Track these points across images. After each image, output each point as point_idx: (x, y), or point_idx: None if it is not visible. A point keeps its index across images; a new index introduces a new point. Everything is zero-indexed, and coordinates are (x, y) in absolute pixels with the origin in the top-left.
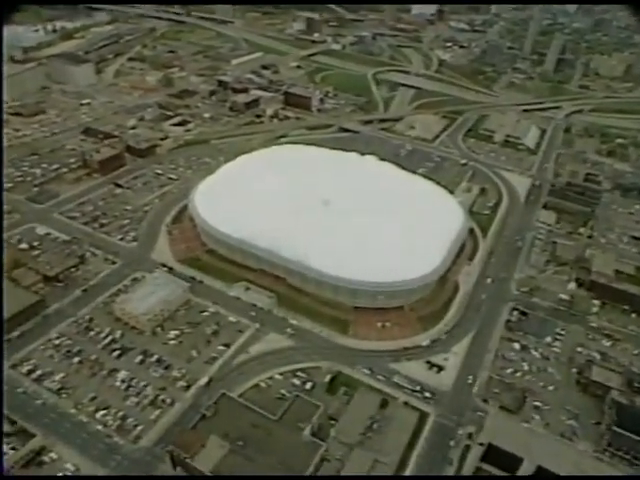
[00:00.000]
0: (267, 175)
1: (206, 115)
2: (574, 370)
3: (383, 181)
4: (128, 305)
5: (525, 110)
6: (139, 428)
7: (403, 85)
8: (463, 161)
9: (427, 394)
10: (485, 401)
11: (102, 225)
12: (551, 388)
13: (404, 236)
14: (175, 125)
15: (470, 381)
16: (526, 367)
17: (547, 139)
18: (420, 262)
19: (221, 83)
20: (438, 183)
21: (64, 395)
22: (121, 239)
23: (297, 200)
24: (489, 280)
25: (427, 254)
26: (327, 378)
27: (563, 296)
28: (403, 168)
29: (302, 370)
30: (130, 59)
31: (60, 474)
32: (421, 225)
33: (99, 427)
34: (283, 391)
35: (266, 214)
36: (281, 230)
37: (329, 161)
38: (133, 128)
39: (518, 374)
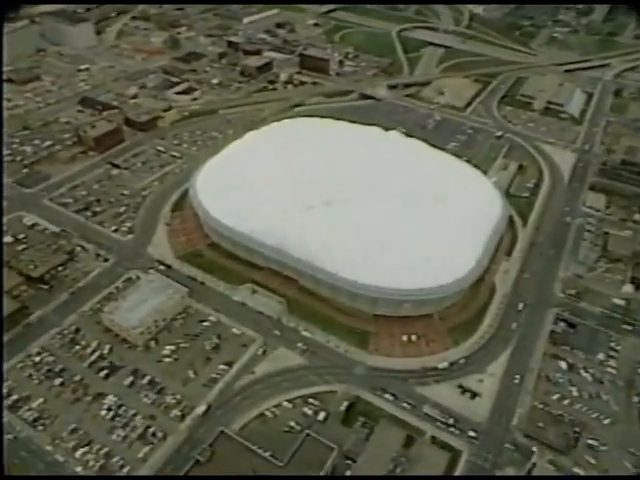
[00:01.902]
0: (277, 157)
1: (214, 81)
2: (636, 399)
3: (409, 163)
4: (117, 316)
5: (568, 70)
6: (125, 469)
7: (431, 44)
8: (498, 133)
9: (459, 426)
10: (527, 437)
11: (95, 214)
12: (607, 421)
13: (434, 231)
14: (180, 93)
15: (509, 410)
16: (575, 393)
17: (594, 105)
18: (453, 264)
19: (231, 44)
20: (471, 160)
21: (40, 427)
22: (115, 230)
23: (310, 189)
24: (529, 278)
25: (461, 253)
26: (343, 406)
27: (617, 301)
28: (431, 143)
29: (314, 396)
30: (134, 18)
31: None
32: (453, 216)
33: (78, 469)
34: (292, 423)
35: (275, 206)
36: (291, 225)
37: (348, 139)
38: (134, 97)
39: (566, 402)
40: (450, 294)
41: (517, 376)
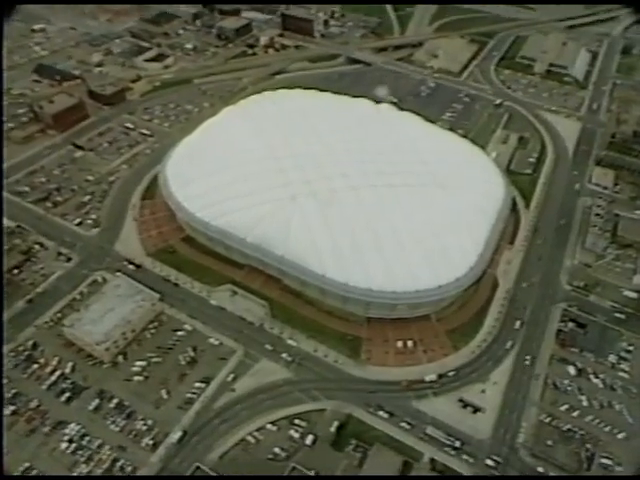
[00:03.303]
0: (256, 138)
1: (188, 46)
2: None
3: (403, 142)
4: (80, 329)
5: (571, 27)
6: None
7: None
8: (497, 101)
9: (460, 445)
10: (534, 456)
11: (56, 204)
12: (621, 436)
13: (431, 223)
14: (150, 60)
15: (514, 425)
16: (585, 402)
17: (599, 65)
18: (452, 260)
19: (207, 3)
20: (468, 133)
21: None
22: (79, 224)
23: (294, 175)
24: (533, 269)
25: (461, 248)
26: (333, 427)
27: (629, 293)
28: (425, 115)
29: (301, 416)
30: None
31: None
32: (453, 205)
33: None
34: (277, 449)
35: (254, 197)
36: (273, 219)
37: (335, 115)
38: (99, 65)
39: (575, 413)
40: (450, 295)
41: (522, 384)
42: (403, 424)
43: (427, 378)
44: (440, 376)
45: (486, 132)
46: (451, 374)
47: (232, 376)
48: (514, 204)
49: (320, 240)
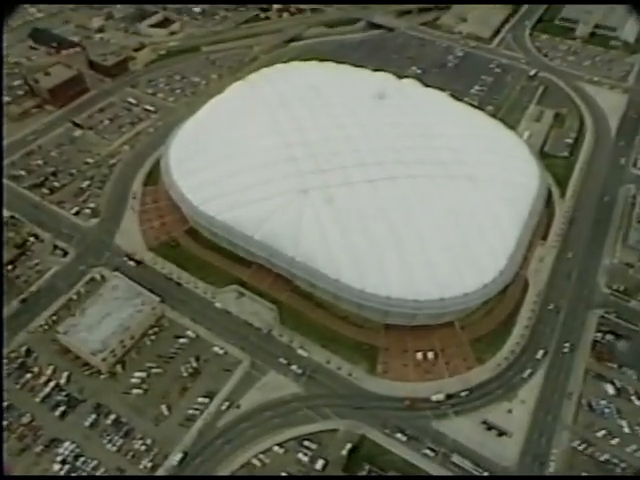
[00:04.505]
0: (266, 120)
1: (196, 9)
2: None
3: (428, 126)
4: (75, 337)
5: None
6: None
7: None
8: (532, 72)
9: (484, 473)
10: None
11: (53, 191)
12: None
13: (458, 221)
14: (155, 26)
15: (543, 452)
16: (626, 428)
17: None
18: (479, 264)
19: None
20: (499, 109)
21: None
22: (77, 213)
23: (307, 165)
24: (567, 268)
25: (490, 249)
26: (345, 450)
27: None
28: (452, 88)
29: (311, 437)
30: None
31: None
32: (482, 199)
33: None
34: (284, 474)
35: (263, 189)
36: (282, 216)
37: (352, 93)
38: (99, 31)
39: (614, 441)
40: (476, 303)
41: (553, 404)
42: (423, 448)
43: (434, 398)
44: (449, 396)
45: (518, 108)
46: (463, 394)
47: (237, 390)
48: (549, 196)
49: (334, 240)
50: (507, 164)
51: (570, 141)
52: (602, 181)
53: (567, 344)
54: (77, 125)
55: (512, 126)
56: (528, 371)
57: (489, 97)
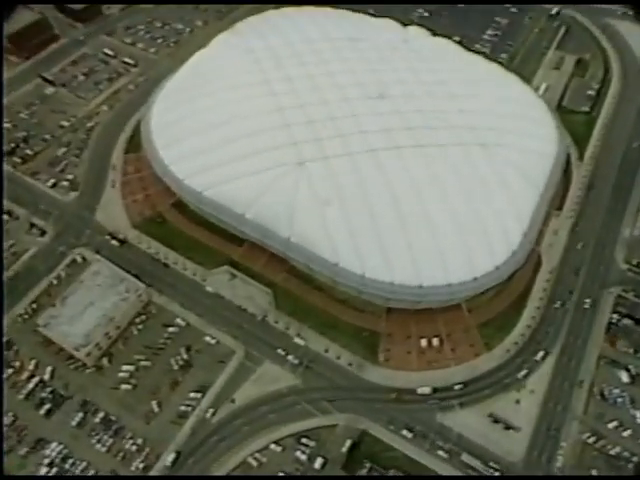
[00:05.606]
0: (255, 81)
1: None
2: None
3: (435, 84)
4: (56, 330)
5: None
6: None
7: None
8: (553, 10)
9: (490, 469)
10: None
11: (25, 159)
12: None
13: (467, 197)
14: None
15: (552, 446)
16: (639, 419)
17: None
18: (491, 244)
19: None
20: (514, 57)
21: None
22: (53, 186)
23: (301, 132)
24: (583, 241)
25: (502, 227)
26: (345, 447)
27: None
28: (462, 32)
29: (308, 434)
30: None
31: None
32: (492, 169)
33: None
34: (282, 473)
35: (254, 161)
36: (275, 192)
37: (351, 46)
38: None
39: (626, 432)
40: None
41: (563, 393)
42: (427, 445)
43: (419, 391)
44: (435, 390)
45: (535, 55)
46: (457, 387)
47: (231, 384)
48: (567, 161)
49: (332, 220)
50: (523, 129)
51: (592, 93)
52: (626, 141)
53: (582, 324)
54: (48, 81)
55: (528, 78)
56: (539, 355)
57: (503, 43)
